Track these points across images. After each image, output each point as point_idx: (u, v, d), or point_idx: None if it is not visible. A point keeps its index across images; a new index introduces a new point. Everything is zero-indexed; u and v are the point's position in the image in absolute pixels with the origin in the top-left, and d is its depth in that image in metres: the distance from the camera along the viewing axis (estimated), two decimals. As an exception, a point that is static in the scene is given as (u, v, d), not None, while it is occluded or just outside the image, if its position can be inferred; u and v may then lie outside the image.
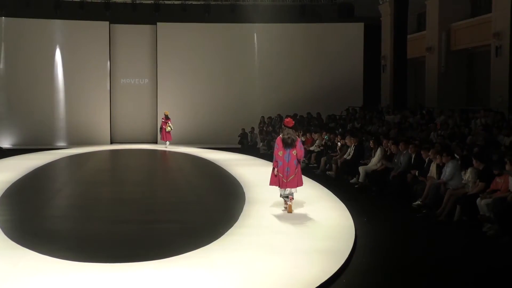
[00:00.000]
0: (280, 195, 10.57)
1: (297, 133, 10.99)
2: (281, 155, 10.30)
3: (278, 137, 10.56)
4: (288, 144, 10.25)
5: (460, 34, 21.98)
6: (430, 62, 23.11)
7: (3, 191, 12.53)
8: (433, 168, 11.19)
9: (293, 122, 10.78)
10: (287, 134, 10.34)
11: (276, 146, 10.47)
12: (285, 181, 10.26)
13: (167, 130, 23.97)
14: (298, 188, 10.50)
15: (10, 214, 10.36)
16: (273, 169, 10.45)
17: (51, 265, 7.05)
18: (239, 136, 24.67)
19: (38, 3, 25.12)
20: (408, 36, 23.18)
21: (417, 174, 11.67)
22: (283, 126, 10.75)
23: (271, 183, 10.59)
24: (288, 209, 10.33)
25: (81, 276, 6.64)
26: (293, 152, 10.28)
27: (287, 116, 12.49)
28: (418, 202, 10.92)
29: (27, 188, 13.59)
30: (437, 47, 22.45)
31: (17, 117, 24.90)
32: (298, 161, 10.44)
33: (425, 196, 10.75)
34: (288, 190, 10.35)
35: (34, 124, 24.99)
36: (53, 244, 8.06)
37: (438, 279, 6.96)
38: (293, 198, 10.38)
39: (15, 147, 23.93)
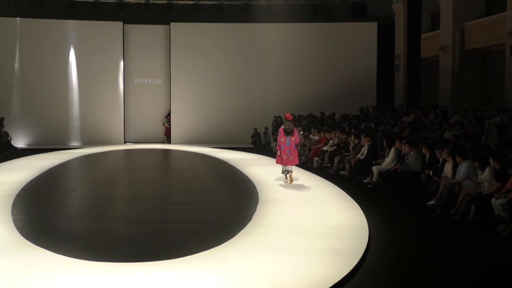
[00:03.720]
0: (282, 172, 13.89)
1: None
2: (283, 141, 13.69)
3: (281, 128, 13.99)
4: (288, 132, 13.67)
5: (474, 33, 21.86)
6: (444, 61, 23.00)
7: (18, 190, 12.60)
8: (447, 168, 11.13)
9: (292, 116, 14.46)
10: (287, 125, 13.77)
11: (279, 134, 13.92)
12: (285, 158, 13.58)
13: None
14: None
15: (25, 214, 10.41)
16: (277, 151, 13.89)
17: (66, 264, 7.08)
18: (251, 137, 24.69)
19: (52, 4, 25.26)
20: (422, 35, 23.10)
21: (431, 174, 11.61)
22: (284, 119, 14.28)
23: (277, 162, 14.01)
24: (290, 180, 13.73)
25: (94, 276, 6.67)
26: (292, 139, 13.65)
27: (287, 113, 15.34)
28: (432, 202, 10.86)
29: (41, 187, 13.67)
30: (451, 46, 22.34)
31: (31, 117, 25.04)
32: (296, 145, 13.87)
33: (439, 196, 10.70)
34: (289, 167, 13.71)
35: (48, 124, 25.13)
36: (67, 243, 8.10)
37: (452, 279, 6.92)
38: (292, 171, 13.78)
39: (29, 147, 24.08)
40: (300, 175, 15.66)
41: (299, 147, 17.64)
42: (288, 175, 13.80)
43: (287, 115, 14.28)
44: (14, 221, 9.51)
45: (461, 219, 9.83)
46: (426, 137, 15.05)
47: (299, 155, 17.91)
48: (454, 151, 11.10)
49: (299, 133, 15.75)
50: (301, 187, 13.64)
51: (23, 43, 25.15)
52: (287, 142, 13.65)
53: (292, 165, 13.80)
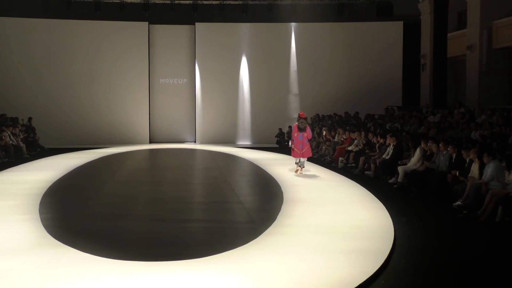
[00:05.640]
0: (296, 163, 15.58)
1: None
2: (296, 136, 15.34)
3: (295, 124, 15.78)
4: (301, 129, 15.33)
5: (502, 32, 21.58)
6: (471, 61, 22.74)
7: (45, 189, 12.76)
8: (474, 168, 11.01)
9: (305, 115, 16.02)
10: (301, 122, 15.37)
11: (293, 130, 15.88)
12: (298, 152, 15.26)
13: None
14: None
15: (52, 212, 10.52)
16: (291, 145, 15.61)
17: (91, 263, 7.15)
18: (276, 136, 24.68)
19: (79, 5, 25.52)
20: (448, 34, 22.88)
21: (457, 174, 11.50)
22: (298, 117, 15.72)
23: (293, 155, 15.56)
24: (300, 171, 15.41)
25: (120, 274, 6.72)
26: (304, 134, 15.27)
27: (301, 111, 17.44)
28: (458, 202, 10.75)
29: (68, 186, 13.81)
30: (478, 45, 22.09)
31: (58, 117, 25.30)
32: (308, 140, 15.41)
33: (466, 196, 10.59)
34: (302, 159, 15.40)
35: (75, 123, 25.38)
36: (93, 242, 8.17)
37: (478, 280, 6.85)
38: (304, 166, 15.48)
39: (56, 147, 24.31)
40: (325, 175, 15.67)
41: (323, 147, 19.59)
42: (300, 166, 15.46)
43: (301, 113, 15.91)
44: (42, 219, 9.63)
45: (488, 220, 9.72)
46: (451, 137, 14.92)
47: (324, 155, 18.51)
48: (481, 151, 10.98)
49: (322, 132, 19.35)
50: (326, 187, 13.62)
51: (50, 43, 25.42)
52: (300, 137, 15.29)
53: (305, 157, 15.46)
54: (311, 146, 16.22)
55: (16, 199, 11.47)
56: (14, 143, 19.58)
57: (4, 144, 18.72)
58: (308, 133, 15.47)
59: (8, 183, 13.96)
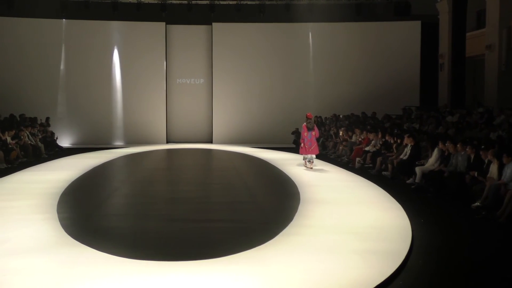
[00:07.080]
0: (304, 159, 17.09)
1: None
2: (305, 135, 16.74)
3: (304, 124, 17.02)
4: (310, 128, 16.73)
5: (521, 31, 21.39)
6: (489, 61, 22.54)
7: (63, 189, 12.83)
8: (493, 168, 10.91)
9: (312, 115, 17.56)
10: (309, 123, 16.83)
11: (302, 129, 17.13)
12: (308, 148, 16.64)
13: None
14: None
15: (70, 212, 10.57)
16: (301, 143, 17.03)
17: (109, 262, 7.17)
18: (292, 133, 24.59)
19: (97, 5, 25.69)
20: (467, 34, 22.71)
21: (476, 174, 11.39)
22: (306, 118, 17.04)
23: (300, 152, 17.16)
24: (310, 166, 16.67)
25: (137, 274, 6.74)
26: (312, 133, 16.70)
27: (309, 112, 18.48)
28: (477, 203, 10.67)
29: (85, 186, 13.88)
30: (497, 45, 21.87)
31: (76, 117, 25.49)
32: (316, 138, 16.93)
33: (485, 197, 10.50)
34: (310, 156, 16.75)
35: (92, 123, 25.56)
36: (111, 242, 8.22)
37: (497, 282, 6.78)
38: (313, 161, 16.83)
39: (74, 146, 24.50)
40: (342, 175, 15.64)
41: (340, 148, 20.02)
42: (309, 162, 16.82)
43: (308, 114, 17.30)
44: (60, 219, 9.68)
45: (507, 221, 9.62)
46: (471, 137, 14.79)
47: (341, 155, 18.51)
48: (500, 152, 10.87)
49: (339, 132, 20.88)
50: (343, 187, 13.57)
51: (68, 44, 25.60)
52: (309, 136, 16.69)
53: (313, 154, 16.79)
54: (318, 145, 17.59)
55: (34, 199, 11.55)
56: (32, 143, 19.72)
57: (23, 144, 18.87)
58: (315, 132, 16.94)
59: (26, 182, 14.06)
